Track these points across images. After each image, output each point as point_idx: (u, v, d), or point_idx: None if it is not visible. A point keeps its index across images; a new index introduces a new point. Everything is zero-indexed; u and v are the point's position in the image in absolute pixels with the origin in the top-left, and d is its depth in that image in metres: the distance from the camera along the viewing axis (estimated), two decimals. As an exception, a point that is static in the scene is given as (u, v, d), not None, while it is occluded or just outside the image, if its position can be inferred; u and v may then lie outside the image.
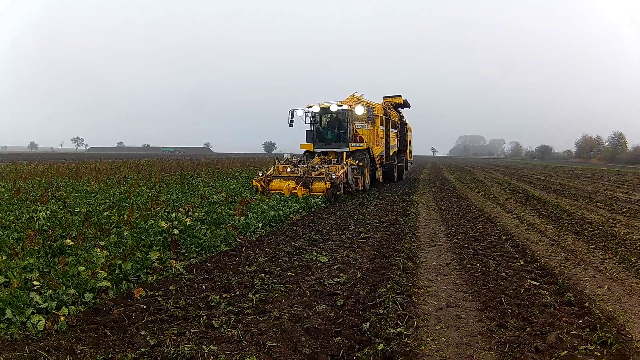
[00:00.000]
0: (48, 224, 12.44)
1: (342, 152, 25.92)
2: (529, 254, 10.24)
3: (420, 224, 14.52)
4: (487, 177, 40.83)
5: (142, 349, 5.50)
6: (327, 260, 9.80)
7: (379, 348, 5.37)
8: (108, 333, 6.02)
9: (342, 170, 22.53)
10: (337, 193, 21.80)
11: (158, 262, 9.08)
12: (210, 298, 7.29)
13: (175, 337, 5.86)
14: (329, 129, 27.64)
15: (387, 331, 5.83)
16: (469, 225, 14.23)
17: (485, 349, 5.39)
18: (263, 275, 8.65)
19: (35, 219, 13.28)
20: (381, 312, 6.55)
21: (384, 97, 36.61)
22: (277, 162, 24.98)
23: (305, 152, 27.91)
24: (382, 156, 31.74)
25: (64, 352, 5.44)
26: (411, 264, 9.29)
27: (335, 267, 9.24)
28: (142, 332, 6.00)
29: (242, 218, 13.81)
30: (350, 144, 26.40)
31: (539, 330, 5.91)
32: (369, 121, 28.24)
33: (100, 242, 10.27)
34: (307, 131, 28.02)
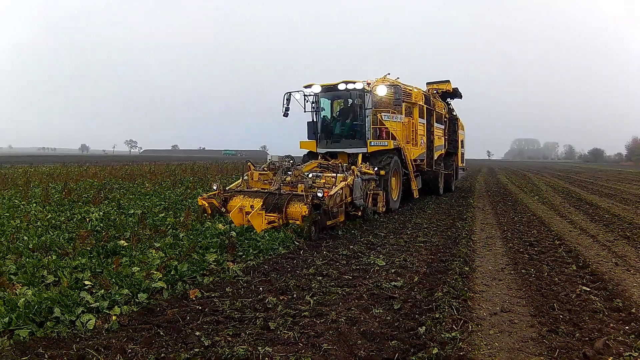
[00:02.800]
0: (101, 225, 12.84)
1: (358, 154, 18.36)
2: (581, 259, 10.19)
3: (477, 228, 14.54)
4: (542, 181, 40.11)
5: (195, 349, 5.54)
6: (384, 263, 9.83)
7: (434, 352, 5.35)
8: (161, 333, 6.08)
9: (340, 185, 14.29)
10: (329, 223, 13.34)
11: (215, 264, 9.17)
12: (267, 300, 7.32)
13: (230, 338, 5.88)
14: (339, 119, 20.24)
15: (442, 335, 5.83)
16: (524, 229, 14.16)
17: (536, 355, 5.43)
18: (321, 278, 8.70)
19: (87, 219, 13.65)
20: (437, 316, 6.55)
21: (427, 84, 28.27)
22: (251, 168, 16.41)
23: (307, 153, 20.80)
24: (421, 160, 23.43)
25: (114, 350, 5.49)
26: (467, 269, 9.32)
27: (393, 270, 9.26)
28: (197, 333, 6.05)
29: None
30: (369, 141, 18.90)
31: (587, 336, 5.93)
32: (397, 109, 20.29)
33: (155, 244, 10.50)
34: (308, 123, 20.53)
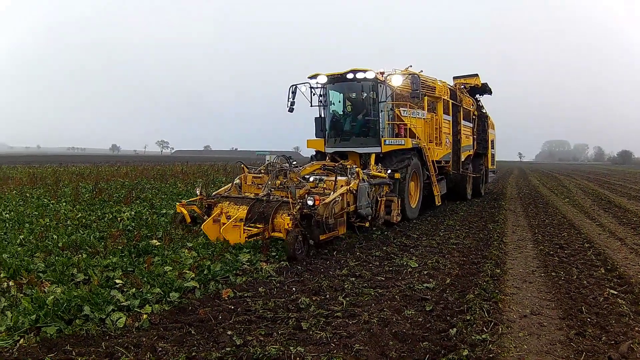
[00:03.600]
0: (133, 224, 12.98)
1: (370, 154, 16.59)
2: (609, 262, 10.19)
3: (508, 230, 14.56)
4: (572, 183, 39.65)
5: (227, 349, 5.57)
6: (417, 265, 9.91)
7: (464, 354, 5.42)
8: (192, 332, 6.13)
9: (339, 191, 12.06)
10: (323, 237, 10.89)
11: (248, 264, 9.27)
12: (300, 300, 7.36)
13: (262, 338, 5.93)
14: (349, 114, 17.72)
15: (473, 337, 5.91)
16: (554, 232, 14.15)
17: (563, 358, 5.51)
18: (354, 279, 8.75)
19: (118, 219, 13.78)
20: (468, 318, 6.63)
21: (454, 78, 25.83)
22: (244, 170, 14.53)
23: (315, 153, 18.74)
24: (446, 162, 21.02)
25: (143, 349, 5.56)
26: (499, 271, 9.40)
27: (425, 272, 9.32)
28: (229, 332, 6.09)
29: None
30: (383, 139, 16.62)
31: (613, 340, 5.98)
32: (417, 102, 18.70)
33: (188, 244, 10.63)
34: (315, 119, 18.30)
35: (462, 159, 22.58)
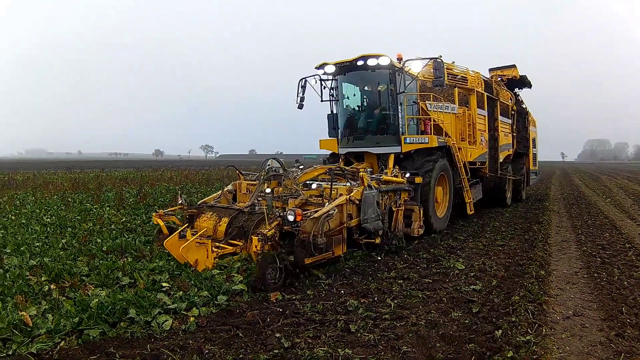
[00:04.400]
0: (179, 228, 12.81)
1: (389, 155, 14.50)
2: (649, 263, 10.17)
3: (552, 232, 14.59)
4: (613, 183, 38.86)
5: (275, 351, 5.65)
6: (463, 267, 10.02)
7: (509, 355, 5.51)
8: (240, 334, 6.21)
9: (334, 203, 10.10)
10: (309, 261, 8.94)
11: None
12: (348, 303, 7.45)
13: (310, 340, 5.99)
14: (364, 109, 15.50)
15: (517, 339, 6.01)
16: (597, 232, 14.15)
17: (603, 359, 5.62)
18: (401, 281, 8.86)
19: (164, 223, 13.75)
20: (513, 319, 6.71)
21: (490, 70, 23.69)
22: (240, 177, 13.44)
23: (330, 155, 16.65)
24: (482, 163, 18.66)
25: (190, 351, 5.64)
26: (543, 272, 9.49)
27: (472, 274, 9.42)
28: (277, 335, 6.15)
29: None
30: (403, 137, 14.42)
31: None
32: (442, 93, 17.54)
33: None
34: (327, 115, 16.14)
35: (500, 160, 20.10)
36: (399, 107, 14.38)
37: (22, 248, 10.45)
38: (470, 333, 6.28)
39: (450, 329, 6.37)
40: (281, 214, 9.11)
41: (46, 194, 23.03)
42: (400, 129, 14.36)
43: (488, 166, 18.99)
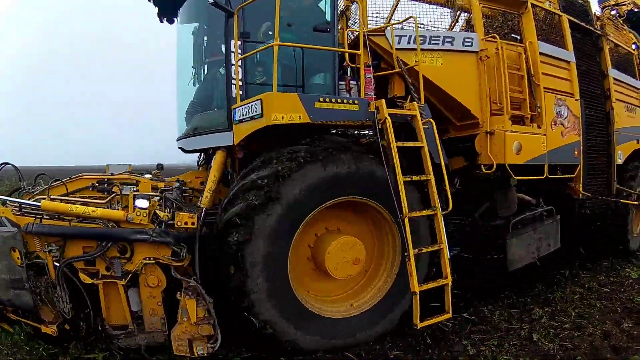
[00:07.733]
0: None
1: (216, 150, 6.80)
2: None
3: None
4: None
5: (460, 358, 5.90)
6: (637, 276, 9.56)
7: None
8: (428, 341, 6.37)
9: None
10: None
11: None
12: (533, 311, 7.50)
13: (494, 349, 6.13)
14: (196, 66, 7.93)
15: None
16: None
17: None
18: (582, 290, 8.68)
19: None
20: None
21: (599, 2, 12.17)
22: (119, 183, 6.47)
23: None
24: (562, 169, 8.51)
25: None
26: None
27: (646, 283, 8.94)
28: (464, 342, 6.33)
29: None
30: (233, 107, 6.42)
31: None
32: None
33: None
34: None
35: (620, 161, 9.95)
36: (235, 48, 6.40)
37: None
38: (637, 344, 6.18)
39: (621, 340, 6.31)
40: None
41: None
42: (232, 93, 6.66)
43: (582, 176, 8.84)
